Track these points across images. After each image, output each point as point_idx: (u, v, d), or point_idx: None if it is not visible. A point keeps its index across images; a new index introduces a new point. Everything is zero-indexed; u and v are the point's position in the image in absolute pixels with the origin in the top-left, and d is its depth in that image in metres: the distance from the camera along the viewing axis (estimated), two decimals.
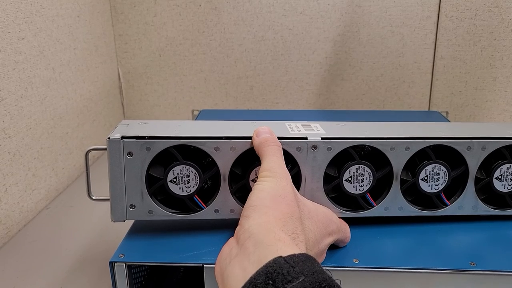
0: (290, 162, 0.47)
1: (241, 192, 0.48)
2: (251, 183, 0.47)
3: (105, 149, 0.45)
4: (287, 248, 0.33)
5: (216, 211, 0.47)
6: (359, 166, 0.48)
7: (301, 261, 0.31)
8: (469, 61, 1.03)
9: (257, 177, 0.46)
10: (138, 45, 1.08)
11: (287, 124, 0.51)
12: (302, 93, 1.09)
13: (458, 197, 0.51)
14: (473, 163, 0.50)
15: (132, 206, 0.46)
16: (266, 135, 0.45)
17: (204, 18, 1.05)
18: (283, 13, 1.03)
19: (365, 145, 0.48)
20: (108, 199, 0.47)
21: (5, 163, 0.67)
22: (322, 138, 0.47)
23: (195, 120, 0.88)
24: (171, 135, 0.45)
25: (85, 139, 0.93)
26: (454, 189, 0.51)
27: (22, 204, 0.72)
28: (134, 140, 0.44)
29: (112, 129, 0.47)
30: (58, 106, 0.82)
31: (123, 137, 0.44)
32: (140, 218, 0.47)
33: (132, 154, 0.45)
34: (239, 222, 0.38)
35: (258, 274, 0.30)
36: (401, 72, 1.05)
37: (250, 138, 0.46)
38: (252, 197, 0.38)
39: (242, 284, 0.30)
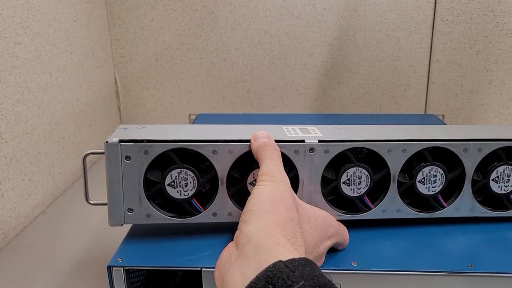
0: (288, 165, 0.47)
1: (239, 195, 0.48)
2: (249, 186, 0.47)
3: (103, 153, 0.45)
4: (287, 252, 0.32)
5: (214, 214, 0.47)
6: (356, 169, 0.48)
7: (301, 265, 0.31)
8: (465, 65, 1.03)
9: (255, 180, 0.46)
10: (135, 50, 1.08)
11: (284, 127, 0.51)
12: (299, 97, 1.09)
13: (455, 199, 0.51)
14: (470, 165, 0.50)
15: (130, 210, 0.46)
16: (264, 139, 0.45)
17: (200, 22, 1.05)
18: (280, 17, 1.03)
19: (362, 148, 0.48)
20: (105, 204, 0.47)
21: (1, 168, 0.67)
22: (320, 141, 0.47)
23: (192, 124, 0.88)
24: (169, 139, 0.45)
25: (82, 144, 0.93)
26: (451, 191, 0.51)
27: (18, 209, 0.71)
28: (132, 143, 0.44)
29: (109, 133, 0.47)
30: (54, 111, 0.82)
31: (121, 141, 0.44)
32: (138, 222, 0.47)
33: (130, 158, 0.44)
34: (238, 227, 0.38)
35: (258, 278, 0.30)
36: (397, 75, 1.06)
37: (247, 141, 0.46)
38: (251, 202, 0.38)
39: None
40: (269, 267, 0.30)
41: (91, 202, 0.49)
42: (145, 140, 0.44)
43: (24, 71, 0.73)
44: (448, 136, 0.50)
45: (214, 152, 0.45)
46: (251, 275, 0.31)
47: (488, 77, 1.03)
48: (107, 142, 0.44)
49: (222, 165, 0.46)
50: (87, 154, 0.48)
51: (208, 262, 0.44)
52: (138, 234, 0.50)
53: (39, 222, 0.74)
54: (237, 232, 0.38)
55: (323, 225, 0.43)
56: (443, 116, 0.92)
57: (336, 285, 0.31)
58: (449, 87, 1.05)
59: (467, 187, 0.51)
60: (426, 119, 0.94)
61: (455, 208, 0.51)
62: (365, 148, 0.48)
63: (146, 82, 1.11)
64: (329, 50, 1.05)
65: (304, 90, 1.09)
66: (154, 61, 1.09)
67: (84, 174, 0.48)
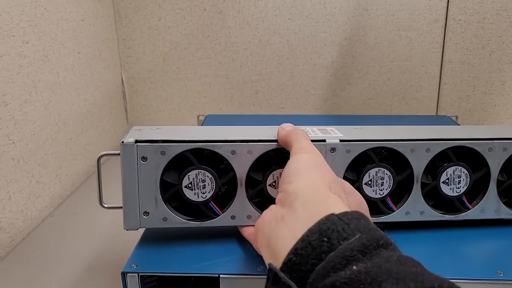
0: None
1: (258, 198, 0.46)
2: (268, 188, 0.45)
3: (118, 154, 0.44)
4: (338, 205, 0.31)
5: (233, 217, 0.46)
6: (378, 169, 0.46)
7: (355, 218, 0.29)
8: (477, 65, 1.01)
9: (274, 182, 0.45)
10: (142, 50, 1.07)
11: (302, 128, 0.50)
12: (308, 97, 1.08)
13: (480, 200, 0.49)
14: (495, 164, 0.49)
15: (146, 213, 0.44)
16: (292, 126, 0.44)
17: (209, 22, 1.03)
18: (289, 17, 1.02)
19: (382, 149, 0.47)
20: (120, 207, 0.45)
21: (8, 170, 0.66)
22: (341, 140, 0.45)
23: (202, 125, 0.87)
24: (186, 139, 0.43)
25: (89, 145, 0.91)
26: (475, 192, 0.50)
27: (26, 212, 0.70)
28: (149, 144, 0.43)
29: (116, 134, 0.45)
30: (62, 111, 0.81)
31: (137, 141, 0.43)
32: (154, 226, 0.45)
33: (146, 159, 0.43)
34: (279, 190, 0.37)
35: (311, 231, 0.28)
36: (409, 76, 1.04)
37: (267, 141, 0.44)
38: (292, 166, 0.37)
39: (292, 244, 0.29)
40: (321, 219, 0.29)
41: (105, 206, 0.47)
42: (162, 140, 0.43)
43: (31, 71, 0.71)
44: (472, 135, 0.48)
45: (233, 152, 0.44)
46: (301, 230, 0.29)
47: (501, 78, 1.02)
48: (122, 142, 0.43)
49: (241, 166, 0.44)
50: (101, 155, 0.46)
51: (226, 268, 0.43)
52: (153, 238, 0.48)
53: (46, 225, 0.72)
54: (279, 194, 0.36)
55: (361, 202, 0.41)
56: (456, 117, 0.90)
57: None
58: (462, 88, 1.04)
59: (492, 188, 0.49)
60: (439, 120, 0.92)
61: (480, 210, 0.50)
62: (385, 149, 0.46)
63: (153, 82, 1.09)
64: (339, 50, 1.04)
65: (313, 90, 1.07)
66: (161, 61, 1.07)
67: (98, 176, 0.46)
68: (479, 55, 1.01)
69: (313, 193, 0.33)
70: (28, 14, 0.70)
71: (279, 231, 0.32)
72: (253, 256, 0.44)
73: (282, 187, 0.36)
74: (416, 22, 1.00)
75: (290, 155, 0.40)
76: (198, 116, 0.96)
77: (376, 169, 0.46)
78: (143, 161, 0.43)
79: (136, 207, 0.44)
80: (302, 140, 0.41)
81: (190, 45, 1.05)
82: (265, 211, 0.37)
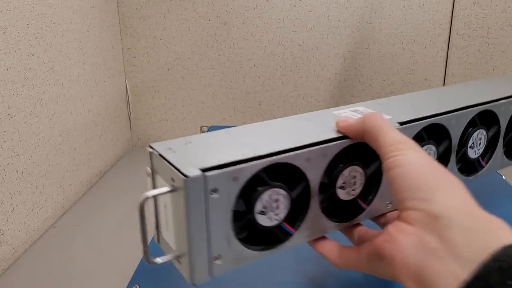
0: (370, 157, 0.41)
1: (326, 203, 0.41)
2: (338, 190, 0.40)
3: (170, 191, 0.34)
4: (506, 232, 0.28)
5: (307, 233, 0.40)
6: (427, 147, 0.45)
7: None
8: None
9: (344, 183, 0.39)
10: (146, 59, 1.07)
11: (334, 112, 0.44)
12: (311, 109, 1.08)
13: (491, 157, 0.50)
14: (504, 122, 0.50)
15: (217, 257, 0.37)
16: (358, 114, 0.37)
17: (213, 33, 1.04)
18: (293, 29, 1.02)
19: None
20: (178, 256, 0.36)
21: (12, 182, 0.66)
22: (401, 124, 0.40)
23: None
24: (259, 155, 0.35)
25: (92, 155, 0.92)
26: (485, 149, 0.51)
27: (29, 223, 0.70)
28: (219, 171, 0.34)
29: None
30: (66, 122, 0.81)
31: (204, 170, 0.33)
32: (228, 269, 0.37)
33: (217, 190, 0.34)
34: (407, 206, 0.30)
35: (488, 270, 0.24)
36: (412, 89, 1.04)
37: (340, 138, 0.38)
38: (412, 174, 0.29)
39: (456, 285, 0.24)
40: (497, 255, 0.24)
41: (159, 262, 0.36)
42: (233, 162, 0.35)
43: (37, 83, 0.72)
44: (492, 97, 0.49)
45: (308, 160, 0.37)
46: (466, 268, 0.25)
47: None
48: (187, 176, 0.32)
49: (314, 173, 0.38)
50: (146, 198, 0.30)
51: None
52: (154, 255, 0.48)
53: (49, 237, 0.73)
54: (413, 213, 0.29)
55: None
56: None
57: None
58: None
59: (500, 144, 0.51)
60: None
61: (491, 166, 0.51)
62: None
63: (157, 91, 1.10)
64: (343, 62, 1.04)
65: (316, 102, 1.07)
66: (165, 71, 1.08)
67: (142, 225, 0.30)
68: (482, 70, 1.01)
69: (468, 218, 0.27)
70: (35, 27, 0.71)
71: (433, 267, 0.27)
72: (257, 277, 0.44)
73: (412, 203, 0.29)
74: (419, 36, 1.00)
75: (383, 153, 0.32)
76: (201, 127, 0.96)
77: (425, 147, 0.45)
78: (213, 193, 0.34)
79: (204, 254, 0.35)
80: (391, 132, 0.32)
81: (194, 55, 1.06)
82: (398, 234, 0.30)
